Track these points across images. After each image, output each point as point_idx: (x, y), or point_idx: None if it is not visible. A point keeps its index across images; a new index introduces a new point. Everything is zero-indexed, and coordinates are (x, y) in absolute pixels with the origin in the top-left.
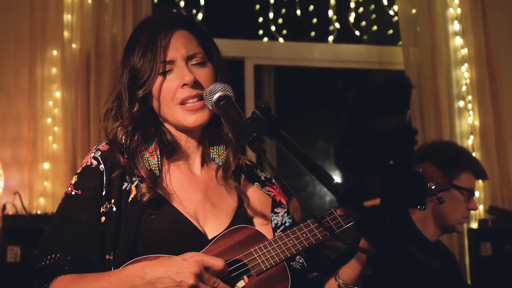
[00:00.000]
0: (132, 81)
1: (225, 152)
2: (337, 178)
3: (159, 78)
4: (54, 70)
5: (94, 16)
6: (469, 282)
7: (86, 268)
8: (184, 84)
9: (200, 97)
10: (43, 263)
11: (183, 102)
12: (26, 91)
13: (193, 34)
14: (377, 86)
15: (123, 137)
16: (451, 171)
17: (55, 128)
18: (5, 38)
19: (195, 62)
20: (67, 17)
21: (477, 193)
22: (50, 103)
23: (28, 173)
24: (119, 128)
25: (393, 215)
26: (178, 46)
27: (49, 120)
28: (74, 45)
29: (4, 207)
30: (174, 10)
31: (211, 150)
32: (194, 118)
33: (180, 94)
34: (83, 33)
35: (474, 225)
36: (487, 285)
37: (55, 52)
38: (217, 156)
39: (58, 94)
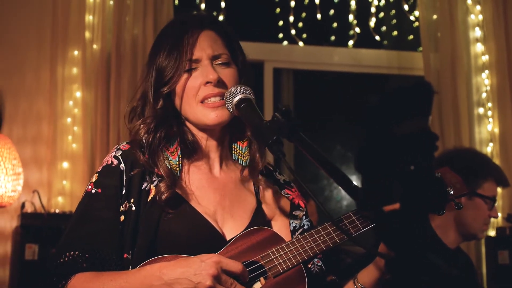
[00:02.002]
0: (158, 79)
1: (249, 153)
2: (356, 182)
3: (184, 76)
4: (74, 70)
5: (115, 17)
6: None
7: (104, 266)
8: (208, 82)
9: (223, 96)
10: (61, 260)
11: (204, 100)
12: (46, 91)
13: (220, 35)
14: (400, 91)
15: (145, 135)
16: (474, 180)
17: (75, 128)
18: (27, 38)
19: (220, 62)
20: (89, 18)
21: None
22: (70, 103)
23: (47, 172)
24: (142, 125)
25: (412, 220)
26: (204, 46)
27: (69, 119)
28: (95, 46)
29: (23, 205)
30: (195, 12)
31: (233, 152)
32: (214, 115)
33: (202, 91)
34: (104, 34)
35: (492, 233)
36: None
37: (76, 52)
38: (241, 157)
39: (78, 94)
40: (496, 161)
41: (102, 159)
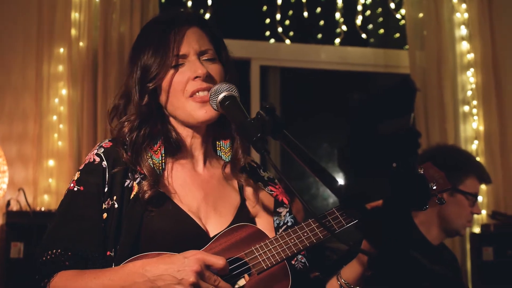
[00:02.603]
0: (144, 76)
1: (231, 150)
2: (340, 180)
3: (171, 71)
4: (60, 68)
5: (102, 14)
6: (470, 286)
7: (87, 264)
8: (196, 77)
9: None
10: (44, 258)
11: (192, 95)
12: (32, 88)
13: (205, 32)
14: (382, 89)
15: (129, 132)
16: (456, 176)
17: (61, 126)
18: (13, 36)
19: (206, 58)
20: (75, 15)
21: (480, 198)
22: (56, 100)
23: (33, 169)
24: (125, 122)
25: (395, 217)
26: (191, 41)
27: (54, 117)
28: (81, 43)
29: (8, 203)
30: (182, 10)
31: (217, 148)
32: (204, 111)
33: (190, 86)
34: (91, 31)
35: (477, 229)
36: None
37: (62, 50)
38: (224, 154)
39: (64, 92)
40: (481, 158)
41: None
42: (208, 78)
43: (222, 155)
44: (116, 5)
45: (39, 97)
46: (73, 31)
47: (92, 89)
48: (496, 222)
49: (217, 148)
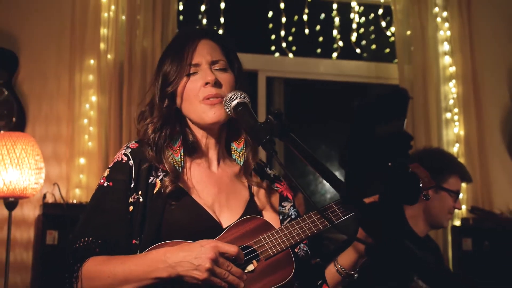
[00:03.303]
0: (164, 82)
1: (245, 153)
2: (340, 177)
3: (185, 79)
4: (91, 77)
5: (127, 31)
6: None
7: (115, 251)
8: (206, 83)
9: (220, 96)
10: (77, 245)
11: (204, 99)
12: (66, 95)
13: (218, 44)
14: (379, 97)
15: (152, 133)
16: (441, 175)
17: (91, 128)
18: (49, 49)
19: (218, 67)
20: (104, 31)
21: (461, 195)
22: (87, 106)
23: (66, 167)
24: (149, 124)
25: (390, 210)
26: (204, 52)
27: (85, 121)
28: (109, 56)
29: (44, 196)
30: (198, 26)
31: (232, 152)
32: (213, 113)
33: (202, 92)
34: (117, 46)
35: (457, 222)
36: (467, 275)
37: (92, 62)
38: (238, 157)
39: (94, 98)
40: (462, 160)
41: (114, 156)
42: (217, 85)
43: (236, 158)
44: (140, 22)
45: (71, 103)
46: (102, 45)
47: (118, 97)
48: (475, 216)
49: (232, 152)
